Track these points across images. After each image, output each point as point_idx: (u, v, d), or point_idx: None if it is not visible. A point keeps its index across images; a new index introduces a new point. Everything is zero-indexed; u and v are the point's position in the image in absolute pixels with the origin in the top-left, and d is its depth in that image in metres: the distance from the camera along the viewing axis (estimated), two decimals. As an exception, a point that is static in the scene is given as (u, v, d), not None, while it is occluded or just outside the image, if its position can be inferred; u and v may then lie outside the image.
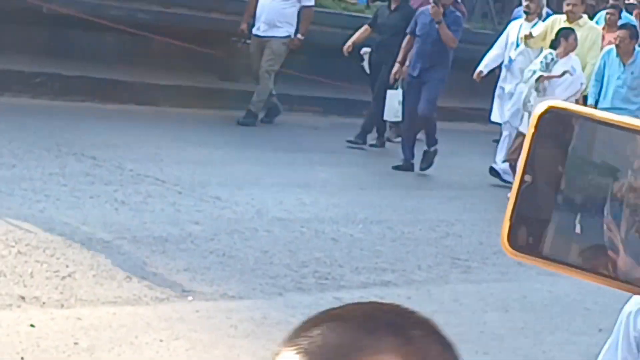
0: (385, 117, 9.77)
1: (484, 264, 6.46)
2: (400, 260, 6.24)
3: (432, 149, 9.09)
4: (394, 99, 9.52)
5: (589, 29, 9.63)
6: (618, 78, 9.41)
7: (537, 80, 8.63)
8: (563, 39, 8.88)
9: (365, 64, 10.19)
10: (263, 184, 7.59)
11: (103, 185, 6.76)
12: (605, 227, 0.55)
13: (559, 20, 9.31)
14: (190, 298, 5.03)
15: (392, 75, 9.50)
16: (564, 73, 8.65)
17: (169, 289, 5.09)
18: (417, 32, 9.16)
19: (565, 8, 9.51)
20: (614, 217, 0.54)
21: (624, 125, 0.53)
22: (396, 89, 9.56)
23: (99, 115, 9.06)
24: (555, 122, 0.54)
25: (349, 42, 10.07)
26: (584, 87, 9.13)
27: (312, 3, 10.32)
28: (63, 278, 4.96)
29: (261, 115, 10.13)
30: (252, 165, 8.18)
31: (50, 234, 5.47)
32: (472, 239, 6.97)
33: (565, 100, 8.33)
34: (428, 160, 9.07)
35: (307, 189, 7.63)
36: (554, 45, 8.90)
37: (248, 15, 10.24)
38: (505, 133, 9.50)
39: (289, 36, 10.07)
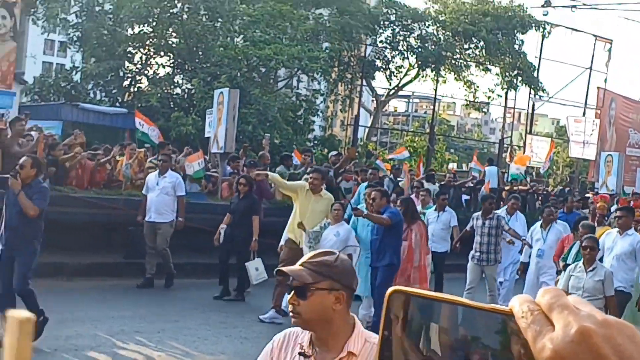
0: (254, 282, 11.89)
1: None
2: None
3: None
4: (253, 267, 11.81)
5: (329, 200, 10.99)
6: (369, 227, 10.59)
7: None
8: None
9: (221, 237, 12.28)
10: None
11: (232, 328, 10.23)
12: None
13: None
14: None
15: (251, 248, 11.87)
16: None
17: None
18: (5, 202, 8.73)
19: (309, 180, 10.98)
20: None
21: (446, 300, 0.68)
22: (252, 259, 11.90)
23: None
24: (397, 299, 0.71)
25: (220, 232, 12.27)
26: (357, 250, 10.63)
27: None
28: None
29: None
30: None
31: (201, 363, 8.80)
32: None
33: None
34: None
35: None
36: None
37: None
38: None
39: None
